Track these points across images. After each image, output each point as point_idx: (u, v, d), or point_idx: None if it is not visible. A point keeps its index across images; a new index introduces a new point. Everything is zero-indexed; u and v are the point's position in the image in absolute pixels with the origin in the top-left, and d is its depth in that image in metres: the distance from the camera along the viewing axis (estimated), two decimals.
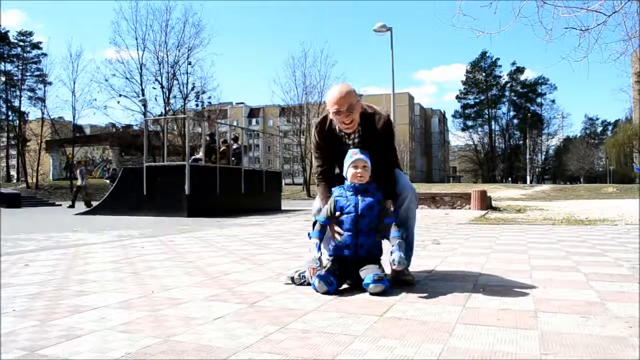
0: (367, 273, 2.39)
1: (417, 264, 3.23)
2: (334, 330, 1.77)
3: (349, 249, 2.50)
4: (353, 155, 2.58)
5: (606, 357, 1.48)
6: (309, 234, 2.61)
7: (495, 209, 13.40)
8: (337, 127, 2.74)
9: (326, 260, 2.59)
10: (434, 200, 13.70)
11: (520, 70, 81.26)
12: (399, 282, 2.60)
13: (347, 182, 2.58)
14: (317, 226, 2.58)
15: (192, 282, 2.79)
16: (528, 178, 58.97)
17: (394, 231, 2.52)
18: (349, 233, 2.50)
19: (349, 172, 2.57)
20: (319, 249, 2.51)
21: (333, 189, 2.66)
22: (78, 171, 19.37)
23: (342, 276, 2.49)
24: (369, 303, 2.20)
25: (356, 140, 2.74)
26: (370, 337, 1.69)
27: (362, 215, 2.49)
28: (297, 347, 1.60)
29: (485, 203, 12.88)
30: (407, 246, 2.72)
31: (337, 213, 2.55)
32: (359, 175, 2.53)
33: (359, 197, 2.52)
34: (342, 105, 2.58)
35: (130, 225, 8.24)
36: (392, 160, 2.79)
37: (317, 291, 2.40)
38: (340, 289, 2.46)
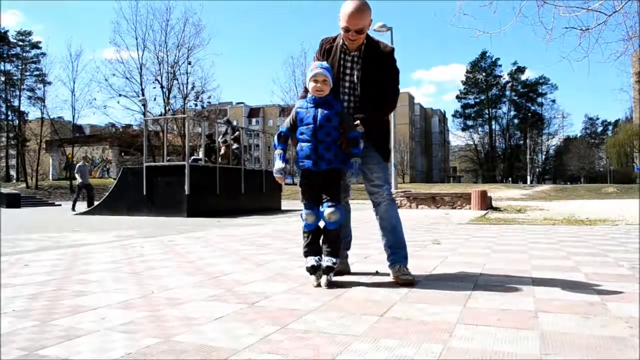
0: (324, 202, 2.58)
1: (417, 264, 3.23)
2: (334, 331, 1.77)
3: (310, 159, 2.56)
4: (314, 69, 2.59)
5: (606, 357, 1.48)
6: (274, 144, 2.74)
7: (496, 209, 13.40)
8: (341, 41, 2.72)
9: None
10: (434, 200, 13.69)
11: (520, 69, 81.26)
12: (400, 282, 2.60)
13: (309, 95, 2.62)
14: (280, 138, 2.70)
15: (192, 282, 2.79)
16: (528, 178, 59.03)
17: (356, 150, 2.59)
18: (309, 144, 2.56)
19: (309, 85, 2.59)
20: (283, 159, 2.66)
21: (297, 100, 2.74)
22: (77, 166, 15.60)
23: (312, 194, 2.61)
24: (369, 303, 2.20)
25: (355, 60, 2.72)
26: (370, 337, 1.69)
27: (321, 126, 2.54)
28: (297, 347, 1.59)
29: (486, 203, 12.88)
30: (399, 245, 2.76)
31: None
32: (318, 89, 2.56)
33: (319, 110, 2.56)
34: (354, 25, 2.58)
35: (130, 225, 8.23)
36: (391, 101, 2.76)
37: (306, 221, 2.60)
38: (321, 209, 2.59)
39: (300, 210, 2.66)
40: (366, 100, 2.68)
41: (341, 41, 2.71)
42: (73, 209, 14.61)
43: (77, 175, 15.36)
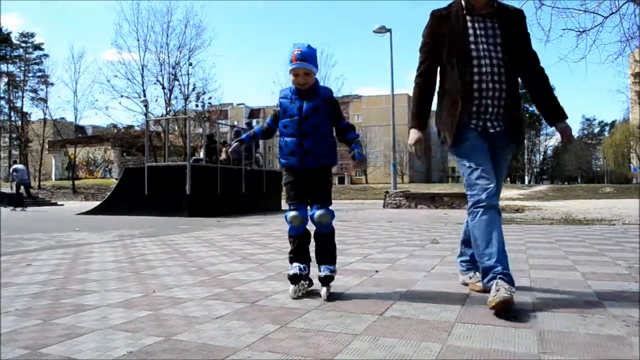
0: (314, 203, 2.39)
1: (416, 264, 3.25)
2: (334, 330, 1.79)
3: (295, 156, 2.34)
4: (293, 60, 2.29)
5: (604, 356, 1.49)
6: (249, 127, 2.60)
7: None
8: (463, 2, 2.32)
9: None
10: (433, 200, 13.70)
11: None
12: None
13: (292, 85, 2.38)
14: (262, 126, 2.58)
15: (192, 282, 2.80)
16: (526, 178, 59.06)
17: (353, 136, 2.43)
18: (293, 139, 2.34)
19: (290, 77, 2.35)
20: (245, 136, 2.61)
21: (280, 90, 2.47)
22: (12, 170, 16.06)
23: (299, 193, 2.39)
24: (369, 302, 2.21)
25: (488, 19, 2.29)
26: (369, 336, 1.70)
27: (306, 117, 2.32)
28: (297, 346, 1.61)
29: None
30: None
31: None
32: (300, 83, 2.33)
33: (304, 101, 2.34)
34: None
35: (132, 225, 8.24)
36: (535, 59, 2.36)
37: (292, 224, 2.38)
38: (307, 211, 2.41)
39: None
40: (511, 66, 2.30)
41: (463, 2, 2.32)
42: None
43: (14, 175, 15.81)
